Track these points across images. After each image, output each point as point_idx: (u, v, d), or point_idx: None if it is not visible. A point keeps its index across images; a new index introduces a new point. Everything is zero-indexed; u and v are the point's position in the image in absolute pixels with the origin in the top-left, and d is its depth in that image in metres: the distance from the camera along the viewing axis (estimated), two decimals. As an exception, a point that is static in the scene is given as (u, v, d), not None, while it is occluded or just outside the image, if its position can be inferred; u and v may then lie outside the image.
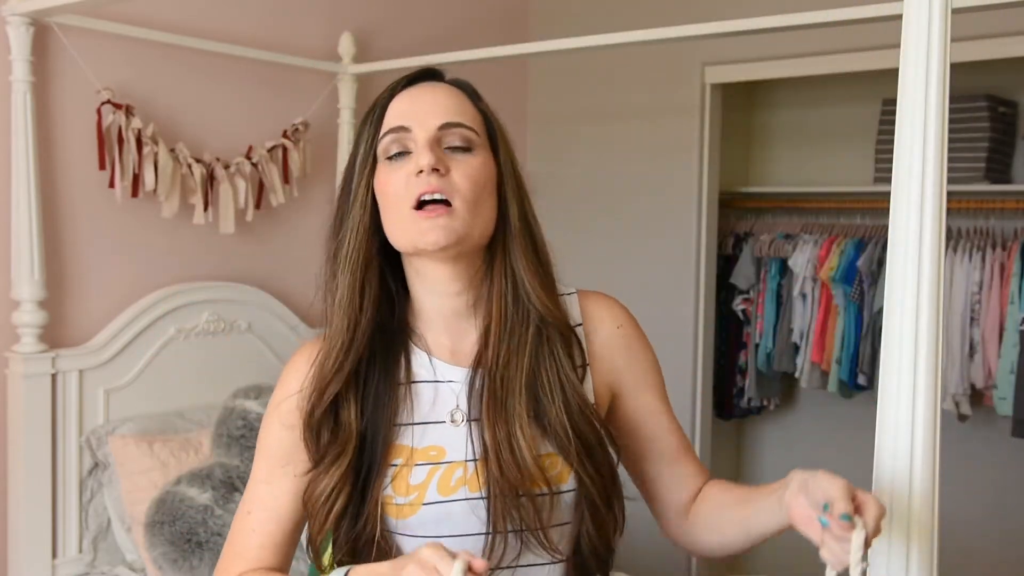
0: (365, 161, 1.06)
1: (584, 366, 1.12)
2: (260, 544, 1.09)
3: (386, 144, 1.05)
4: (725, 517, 1.11)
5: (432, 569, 0.84)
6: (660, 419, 1.18)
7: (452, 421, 1.08)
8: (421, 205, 1.02)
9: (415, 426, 1.08)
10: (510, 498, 1.02)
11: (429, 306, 1.10)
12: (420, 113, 1.05)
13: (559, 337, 1.08)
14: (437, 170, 1.01)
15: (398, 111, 1.06)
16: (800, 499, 0.91)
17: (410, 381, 1.09)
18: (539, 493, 1.03)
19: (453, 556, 0.85)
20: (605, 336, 1.15)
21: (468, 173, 1.03)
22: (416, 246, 1.03)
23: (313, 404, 1.06)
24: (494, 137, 1.10)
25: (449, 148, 1.04)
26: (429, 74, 1.10)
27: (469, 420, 1.07)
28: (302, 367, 1.10)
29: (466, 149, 1.05)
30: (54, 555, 2.31)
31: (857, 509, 0.87)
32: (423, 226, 1.01)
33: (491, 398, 1.05)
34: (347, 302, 1.05)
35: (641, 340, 1.18)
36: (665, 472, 1.18)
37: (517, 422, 1.03)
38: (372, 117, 1.07)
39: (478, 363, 1.08)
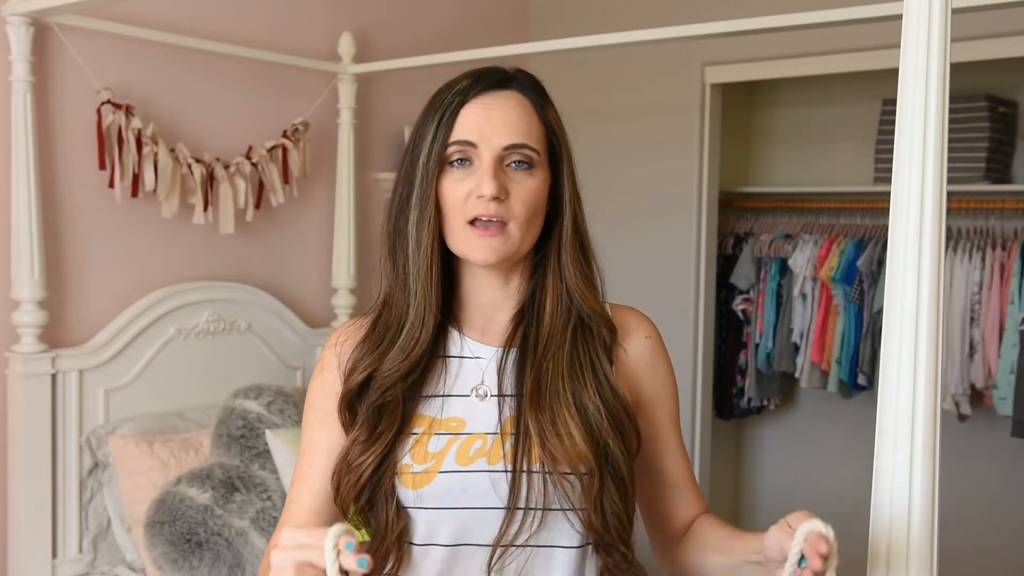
0: (434, 165, 1.08)
1: (614, 350, 1.16)
2: (300, 515, 1.14)
3: (451, 151, 1.08)
4: (709, 561, 1.15)
5: (298, 548, 0.86)
6: (669, 440, 1.21)
7: (477, 396, 1.12)
8: (475, 219, 1.07)
9: (441, 398, 1.12)
10: (556, 477, 1.05)
11: (471, 292, 1.16)
12: (488, 130, 1.08)
13: (597, 329, 1.14)
14: (497, 198, 1.06)
15: (468, 122, 1.08)
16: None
17: (444, 355, 1.14)
18: (585, 472, 1.06)
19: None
20: (633, 345, 1.18)
21: (525, 197, 1.08)
22: (466, 256, 1.09)
23: (374, 399, 1.09)
24: (556, 147, 1.14)
25: (510, 164, 1.08)
26: (501, 80, 1.12)
27: (497, 396, 1.11)
28: (347, 342, 1.15)
29: (527, 168, 1.09)
30: (54, 555, 2.31)
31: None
32: (475, 243, 1.07)
33: (535, 385, 1.09)
34: (425, 306, 1.09)
35: (665, 358, 1.21)
36: (664, 494, 1.21)
37: (563, 404, 1.08)
38: (441, 118, 1.09)
39: (509, 343, 1.14)
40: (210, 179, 2.59)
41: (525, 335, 1.14)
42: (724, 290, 3.71)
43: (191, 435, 2.44)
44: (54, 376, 2.30)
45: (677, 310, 3.43)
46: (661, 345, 1.21)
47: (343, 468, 1.09)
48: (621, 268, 3.50)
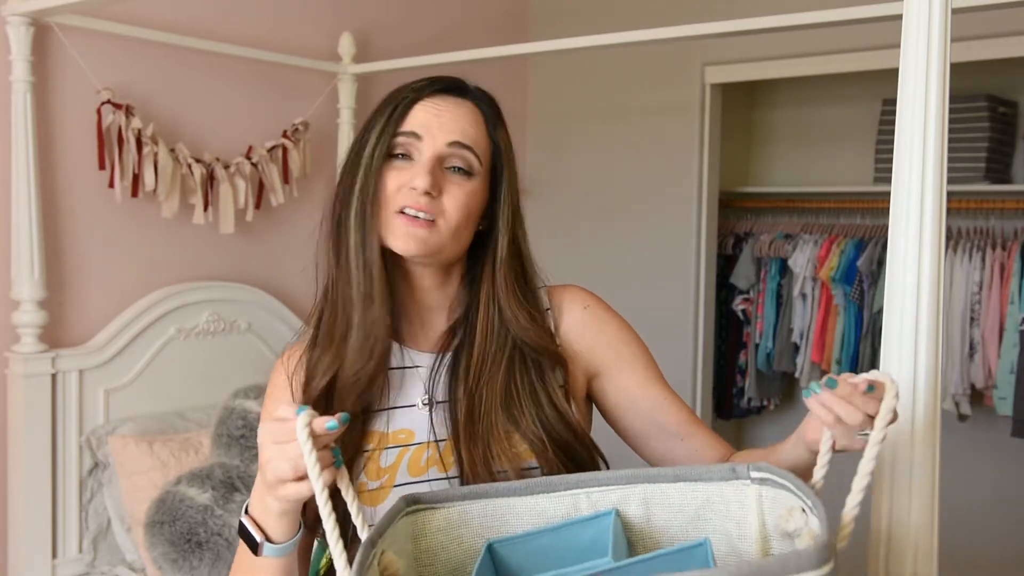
0: (380, 156, 1.08)
1: (566, 381, 1.14)
2: None
3: (396, 142, 1.08)
4: None
5: (278, 431, 0.87)
6: (652, 392, 1.17)
7: (423, 404, 1.12)
8: (403, 209, 1.06)
9: (387, 411, 1.11)
10: (505, 476, 1.05)
11: (406, 298, 1.14)
12: (435, 127, 1.08)
13: (537, 355, 1.12)
14: (429, 193, 1.05)
15: (416, 117, 1.08)
16: (812, 420, 0.92)
17: (386, 368, 1.12)
18: (533, 466, 1.07)
19: (284, 419, 0.87)
20: (572, 318, 1.17)
21: (458, 198, 1.07)
22: (392, 245, 1.07)
23: (351, 402, 1.08)
24: (499, 167, 1.13)
25: (450, 167, 1.08)
26: (458, 88, 1.12)
27: (442, 402, 1.11)
28: (285, 380, 1.14)
29: (466, 173, 1.09)
30: (54, 555, 2.31)
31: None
32: (399, 230, 1.06)
33: (468, 416, 1.08)
34: (377, 301, 1.07)
35: (612, 319, 1.19)
36: (677, 449, 1.16)
37: (495, 438, 1.07)
38: (393, 113, 1.09)
39: (442, 348, 1.13)
40: (210, 179, 2.59)
41: (459, 346, 1.12)
42: (724, 290, 3.71)
43: (191, 435, 2.44)
44: (54, 376, 2.30)
45: (677, 310, 3.43)
46: (603, 309, 1.19)
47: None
48: (621, 268, 3.50)
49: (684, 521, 0.92)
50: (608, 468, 1.13)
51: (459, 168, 1.08)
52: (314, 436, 0.84)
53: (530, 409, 1.08)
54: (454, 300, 1.15)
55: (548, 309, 1.17)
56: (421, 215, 1.05)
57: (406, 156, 1.08)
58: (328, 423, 0.85)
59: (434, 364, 1.13)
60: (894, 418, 0.85)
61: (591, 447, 1.11)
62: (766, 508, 0.88)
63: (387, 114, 1.09)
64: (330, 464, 0.86)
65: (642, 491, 0.93)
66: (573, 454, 1.08)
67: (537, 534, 0.92)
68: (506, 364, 1.10)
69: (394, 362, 1.13)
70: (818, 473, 0.89)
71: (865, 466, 0.83)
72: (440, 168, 1.07)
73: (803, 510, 0.82)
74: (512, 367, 1.10)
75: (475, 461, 1.05)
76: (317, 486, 0.83)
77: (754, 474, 0.89)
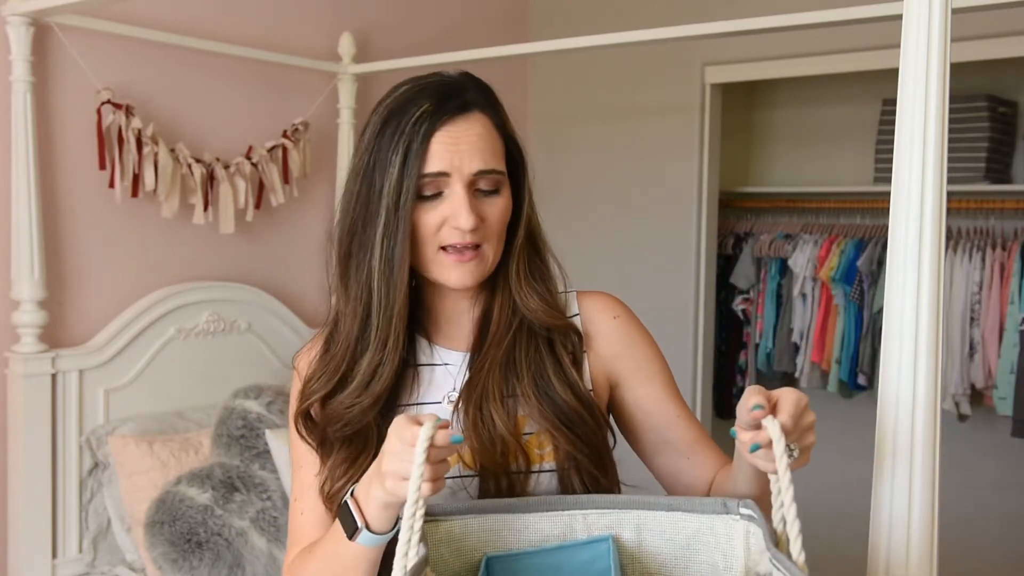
0: (406, 196, 1.05)
1: (581, 351, 1.15)
2: (312, 523, 1.13)
3: (425, 183, 1.05)
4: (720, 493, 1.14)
5: (408, 439, 0.89)
6: (667, 408, 1.18)
7: (449, 402, 1.13)
8: (450, 246, 1.07)
9: (415, 407, 1.13)
10: (491, 473, 1.06)
11: (436, 303, 1.16)
12: (459, 159, 1.05)
13: (548, 332, 1.13)
14: (475, 228, 1.05)
15: (438, 153, 1.05)
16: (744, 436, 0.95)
17: (415, 364, 1.14)
18: (516, 471, 1.08)
19: (418, 423, 0.89)
20: (601, 326, 1.18)
21: (498, 218, 1.09)
22: (441, 281, 1.09)
23: (338, 428, 1.09)
24: (516, 156, 1.14)
25: (479, 190, 1.08)
26: (462, 104, 1.07)
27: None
28: (302, 362, 1.17)
29: (496, 192, 1.09)
30: (54, 555, 2.31)
31: (774, 405, 0.94)
32: (452, 270, 1.07)
33: (469, 382, 1.11)
34: (391, 345, 1.08)
35: (639, 332, 1.20)
36: (683, 466, 1.18)
37: (488, 399, 1.08)
38: (408, 148, 1.04)
39: (474, 348, 1.14)
40: (210, 179, 2.59)
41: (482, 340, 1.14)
42: (724, 290, 3.71)
43: (191, 435, 2.44)
44: (54, 376, 2.30)
45: (677, 310, 3.43)
46: (632, 320, 1.20)
47: (325, 501, 1.10)
48: (621, 268, 3.50)
49: (674, 549, 0.97)
50: (615, 443, 1.15)
51: (488, 190, 1.08)
52: (433, 447, 0.86)
53: (528, 379, 1.10)
54: (481, 297, 1.16)
55: (576, 314, 1.18)
56: (469, 246, 1.06)
57: (436, 195, 1.06)
58: (453, 436, 0.88)
59: (463, 362, 1.14)
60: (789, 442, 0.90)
61: (599, 419, 1.11)
62: (751, 544, 0.93)
63: (403, 151, 1.04)
64: (436, 479, 0.88)
65: (636, 517, 0.98)
66: (575, 425, 1.09)
67: (535, 553, 0.95)
68: (511, 338, 1.12)
69: (424, 359, 1.15)
70: (776, 515, 0.91)
71: (789, 511, 0.86)
72: (472, 193, 1.06)
73: (770, 560, 0.87)
74: (517, 338, 1.12)
75: (477, 422, 1.06)
76: (411, 496, 0.85)
77: (743, 511, 0.95)
